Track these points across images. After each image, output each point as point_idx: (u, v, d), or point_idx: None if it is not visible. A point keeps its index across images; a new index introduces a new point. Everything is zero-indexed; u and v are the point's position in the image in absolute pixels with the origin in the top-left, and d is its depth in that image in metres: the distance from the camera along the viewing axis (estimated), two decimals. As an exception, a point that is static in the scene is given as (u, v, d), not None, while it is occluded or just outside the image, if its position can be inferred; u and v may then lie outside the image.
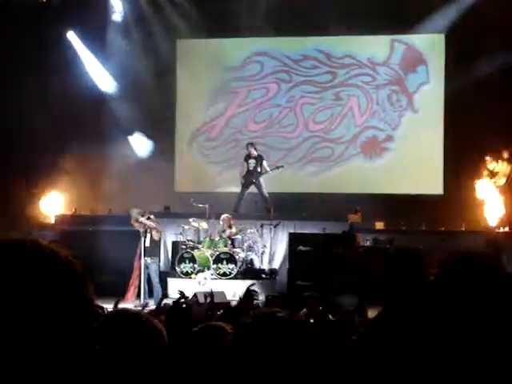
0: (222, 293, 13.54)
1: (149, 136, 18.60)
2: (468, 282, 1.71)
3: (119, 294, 14.86)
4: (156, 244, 15.77)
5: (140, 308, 11.38)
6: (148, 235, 15.51)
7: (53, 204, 19.09)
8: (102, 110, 19.55)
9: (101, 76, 20.13)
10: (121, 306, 9.85)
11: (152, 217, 15.77)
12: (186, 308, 5.13)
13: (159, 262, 16.31)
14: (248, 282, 15.16)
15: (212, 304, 9.58)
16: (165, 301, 9.21)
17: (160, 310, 8.06)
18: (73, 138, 18.20)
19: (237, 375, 2.03)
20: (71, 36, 20.15)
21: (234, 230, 16.83)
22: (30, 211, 18.13)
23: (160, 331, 2.81)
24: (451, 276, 1.75)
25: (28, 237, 1.49)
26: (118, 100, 19.48)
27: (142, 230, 15.51)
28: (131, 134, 19.47)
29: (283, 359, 2.01)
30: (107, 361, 2.64)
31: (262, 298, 13.57)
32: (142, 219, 15.44)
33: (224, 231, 16.83)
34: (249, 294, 7.62)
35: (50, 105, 18.06)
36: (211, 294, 10.64)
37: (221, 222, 16.90)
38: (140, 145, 19.58)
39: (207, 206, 17.27)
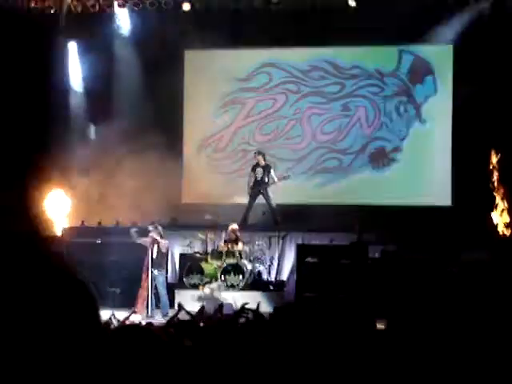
0: (230, 305, 13.51)
1: (156, 147, 18.54)
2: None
3: (128, 305, 14.97)
4: (163, 256, 15.76)
5: (149, 321, 11.34)
6: (155, 247, 15.50)
7: (58, 215, 19.10)
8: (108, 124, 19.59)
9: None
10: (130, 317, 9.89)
11: (160, 228, 15.76)
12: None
13: (166, 273, 16.32)
14: (256, 294, 15.26)
15: (221, 316, 9.56)
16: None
17: (171, 322, 8.05)
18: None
19: None
20: (72, 47, 20.29)
21: (240, 241, 16.79)
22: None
23: (166, 345, 2.78)
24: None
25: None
26: (125, 111, 19.43)
27: (149, 242, 15.52)
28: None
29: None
30: (114, 375, 2.61)
31: (268, 309, 13.50)
32: (150, 235, 15.52)
33: (231, 243, 16.79)
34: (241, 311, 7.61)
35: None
36: (220, 306, 10.65)
37: (228, 234, 16.86)
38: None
39: (214, 218, 17.29)
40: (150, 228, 15.67)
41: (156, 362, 2.69)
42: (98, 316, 1.49)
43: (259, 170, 18.20)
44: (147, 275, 15.54)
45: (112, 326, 8.37)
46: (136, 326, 3.05)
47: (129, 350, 2.69)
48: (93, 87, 20.09)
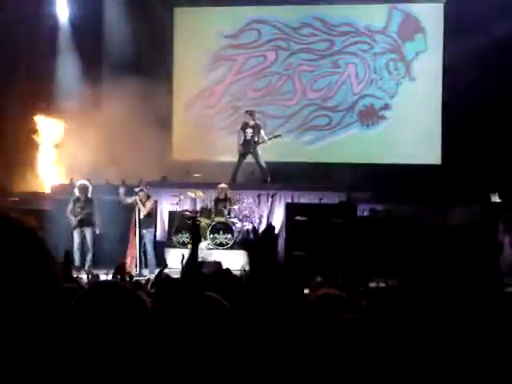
0: (219, 263, 13.54)
1: (146, 104, 18.43)
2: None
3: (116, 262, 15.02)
4: (150, 215, 15.78)
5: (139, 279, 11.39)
6: (142, 207, 15.54)
7: (47, 173, 19.15)
8: (98, 77, 19.51)
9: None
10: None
11: (146, 189, 15.78)
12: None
13: (155, 231, 16.34)
14: (244, 252, 15.28)
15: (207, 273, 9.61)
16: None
17: (158, 279, 8.09)
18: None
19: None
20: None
21: (229, 199, 16.80)
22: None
23: (143, 301, 2.79)
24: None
25: None
26: (115, 69, 19.28)
27: (135, 202, 15.58)
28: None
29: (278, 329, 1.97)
30: (87, 332, 2.64)
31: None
32: (132, 198, 15.56)
33: (220, 201, 16.79)
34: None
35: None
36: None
37: (217, 192, 16.85)
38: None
39: (202, 175, 17.29)
40: (136, 190, 15.67)
41: (128, 319, 2.71)
42: (48, 266, 1.44)
43: (249, 130, 18.11)
44: (134, 233, 15.57)
45: (83, 282, 8.43)
46: (109, 283, 3.03)
47: (101, 308, 2.71)
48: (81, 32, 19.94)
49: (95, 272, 13.09)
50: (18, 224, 1.42)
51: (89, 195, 15.64)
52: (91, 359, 2.58)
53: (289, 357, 1.98)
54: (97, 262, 15.18)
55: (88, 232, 15.52)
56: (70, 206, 15.57)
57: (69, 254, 8.88)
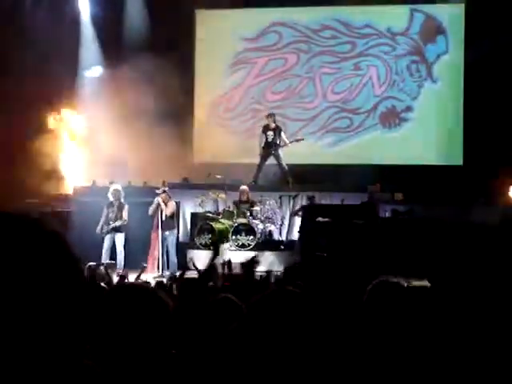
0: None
1: (167, 107, 18.49)
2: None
3: (139, 265, 15.09)
4: (172, 216, 15.84)
5: (160, 279, 11.44)
6: (164, 207, 15.62)
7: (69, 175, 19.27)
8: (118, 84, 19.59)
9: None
10: (142, 277, 9.99)
11: (167, 190, 15.86)
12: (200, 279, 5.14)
13: (178, 233, 16.40)
14: (266, 254, 15.32)
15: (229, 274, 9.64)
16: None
17: (179, 281, 8.13)
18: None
19: (245, 350, 2.01)
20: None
21: (251, 201, 16.82)
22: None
23: (166, 303, 2.84)
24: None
25: (18, 209, 1.44)
26: (134, 70, 19.32)
27: (156, 205, 15.66)
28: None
29: (292, 335, 1.98)
30: (111, 332, 2.70)
31: (280, 269, 13.55)
32: (154, 203, 15.63)
33: (242, 203, 16.82)
34: (251, 263, 7.63)
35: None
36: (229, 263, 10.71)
37: (239, 194, 16.89)
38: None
39: (225, 177, 17.30)
40: (158, 191, 15.74)
41: (151, 320, 2.75)
42: (75, 269, 1.44)
43: (270, 133, 18.15)
44: (157, 235, 15.63)
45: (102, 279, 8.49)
46: (132, 285, 3.08)
47: (124, 308, 2.76)
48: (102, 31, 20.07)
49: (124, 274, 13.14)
50: (43, 227, 1.43)
51: (121, 200, 15.69)
52: (114, 359, 2.63)
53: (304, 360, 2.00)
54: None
55: (119, 237, 15.57)
56: (105, 211, 15.63)
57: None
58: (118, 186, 15.77)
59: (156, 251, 15.62)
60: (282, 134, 18.20)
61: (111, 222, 15.50)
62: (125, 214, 15.57)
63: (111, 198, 15.65)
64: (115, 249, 15.44)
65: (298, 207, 17.19)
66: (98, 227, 15.49)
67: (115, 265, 14.86)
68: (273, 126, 18.19)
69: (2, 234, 1.36)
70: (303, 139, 18.38)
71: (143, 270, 15.03)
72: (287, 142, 18.09)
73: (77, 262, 1.46)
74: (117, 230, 15.51)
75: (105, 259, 14.98)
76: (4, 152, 17.74)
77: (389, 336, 3.52)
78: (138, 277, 9.89)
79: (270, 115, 18.40)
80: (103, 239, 15.41)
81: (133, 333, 2.70)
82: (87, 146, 19.37)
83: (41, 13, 18.61)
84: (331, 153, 20.02)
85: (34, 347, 1.35)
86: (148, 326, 2.73)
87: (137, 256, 14.79)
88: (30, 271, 1.34)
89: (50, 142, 18.85)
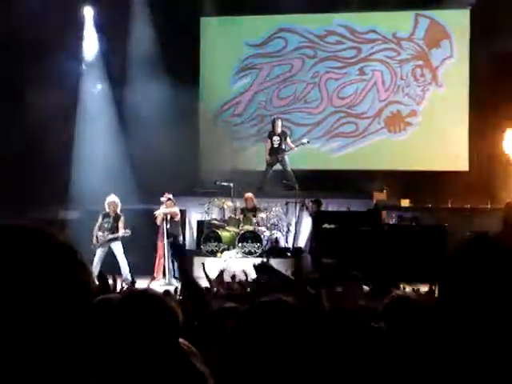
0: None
1: (173, 115, 18.52)
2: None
3: (146, 272, 15.17)
4: (177, 224, 15.87)
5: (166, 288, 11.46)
6: (168, 217, 15.67)
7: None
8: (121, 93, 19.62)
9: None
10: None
11: (171, 197, 15.90)
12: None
13: (184, 240, 16.43)
14: (273, 261, 15.30)
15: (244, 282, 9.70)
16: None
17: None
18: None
19: (236, 361, 1.99)
20: (87, 12, 20.08)
21: (257, 208, 16.83)
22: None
23: (175, 312, 2.87)
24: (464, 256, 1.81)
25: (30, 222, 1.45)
26: (140, 79, 19.36)
27: (161, 214, 15.70)
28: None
29: (284, 347, 1.97)
30: (119, 342, 2.72)
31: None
32: (160, 215, 15.65)
33: (248, 210, 16.83)
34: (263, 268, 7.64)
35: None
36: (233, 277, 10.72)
37: (245, 201, 16.90)
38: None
39: (231, 184, 17.29)
40: (163, 199, 15.78)
41: (160, 329, 2.79)
42: (86, 282, 1.44)
43: (276, 138, 18.19)
44: (162, 243, 15.68)
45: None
46: (142, 292, 3.11)
47: (133, 315, 2.79)
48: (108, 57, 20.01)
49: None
50: (59, 241, 1.43)
51: (118, 211, 15.70)
52: (120, 369, 2.66)
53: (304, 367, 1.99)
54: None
55: (117, 246, 15.53)
56: (99, 221, 15.64)
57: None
58: (115, 198, 15.75)
59: (162, 259, 15.67)
60: (288, 139, 18.24)
61: (106, 233, 15.50)
62: (121, 226, 15.54)
63: (107, 209, 15.67)
64: (114, 259, 15.40)
65: (307, 202, 17.09)
66: (94, 239, 15.50)
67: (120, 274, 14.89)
68: (278, 131, 18.23)
69: (18, 249, 1.37)
70: (309, 142, 18.40)
71: (152, 279, 15.18)
72: (293, 146, 18.13)
73: (90, 275, 1.46)
74: (111, 240, 15.51)
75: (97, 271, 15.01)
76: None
77: (405, 352, 3.56)
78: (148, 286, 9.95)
79: (276, 120, 18.45)
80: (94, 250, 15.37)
81: (141, 338, 2.74)
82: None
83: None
84: (337, 157, 20.03)
85: (48, 356, 1.35)
86: (158, 335, 2.77)
87: (139, 264, 14.84)
88: (47, 285, 1.35)
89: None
